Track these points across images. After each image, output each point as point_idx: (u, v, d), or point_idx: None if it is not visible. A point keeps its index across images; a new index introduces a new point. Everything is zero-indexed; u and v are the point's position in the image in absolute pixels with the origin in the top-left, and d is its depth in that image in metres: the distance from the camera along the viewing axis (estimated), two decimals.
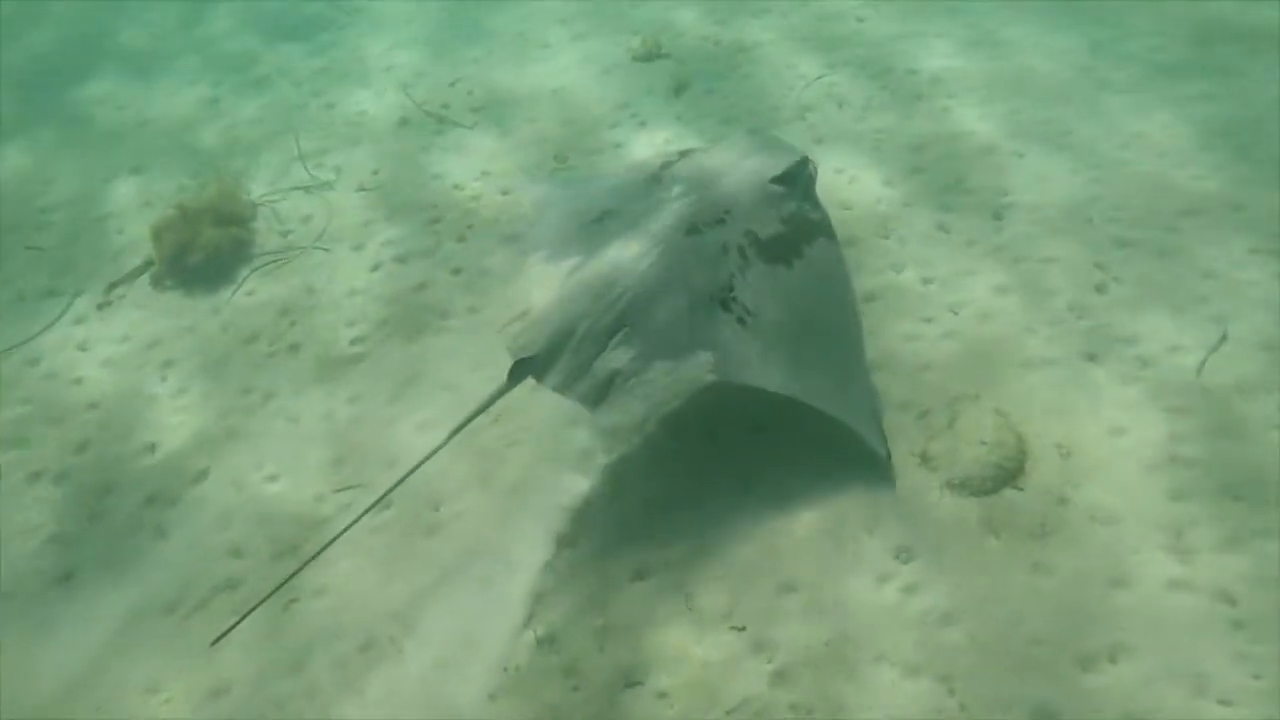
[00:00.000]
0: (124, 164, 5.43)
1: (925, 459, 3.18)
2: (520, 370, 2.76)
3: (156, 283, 4.44)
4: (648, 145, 4.94)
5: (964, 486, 3.08)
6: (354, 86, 5.93)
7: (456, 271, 4.33)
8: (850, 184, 4.47)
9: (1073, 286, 3.79)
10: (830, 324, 3.03)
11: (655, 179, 3.20)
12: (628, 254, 2.88)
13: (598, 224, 3.10)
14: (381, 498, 2.76)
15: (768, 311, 2.87)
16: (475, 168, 4.98)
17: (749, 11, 6.14)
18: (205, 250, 4.35)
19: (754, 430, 3.31)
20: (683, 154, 3.37)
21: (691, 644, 2.79)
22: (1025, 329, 3.62)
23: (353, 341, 4.05)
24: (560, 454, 3.34)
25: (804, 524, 3.07)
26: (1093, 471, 3.11)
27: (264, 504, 3.39)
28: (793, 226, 3.05)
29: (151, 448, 3.68)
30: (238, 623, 2.66)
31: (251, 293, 4.37)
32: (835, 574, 2.92)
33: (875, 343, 3.55)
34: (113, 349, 4.15)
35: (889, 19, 5.87)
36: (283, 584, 2.67)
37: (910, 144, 4.72)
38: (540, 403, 3.53)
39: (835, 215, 3.42)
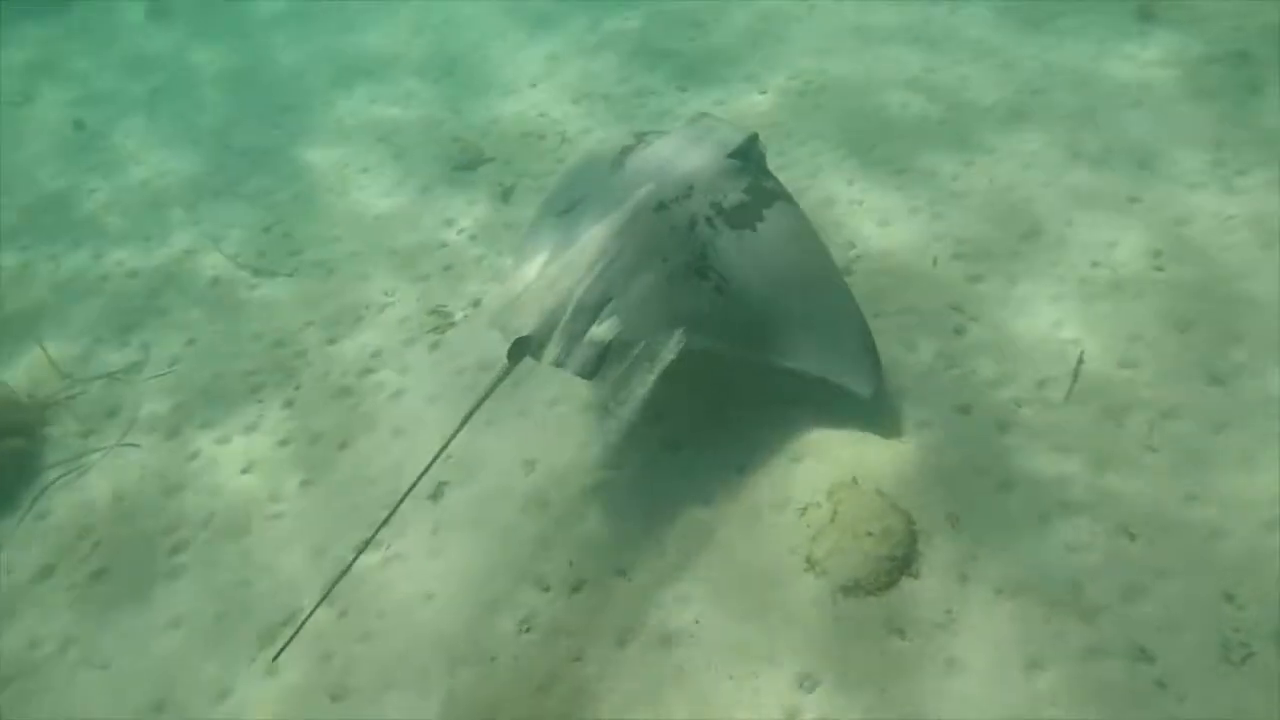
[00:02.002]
0: None
1: (813, 563, 3.00)
2: (518, 349, 3.00)
3: None
4: (476, 261, 4.78)
5: (858, 588, 2.91)
6: (156, 246, 5.56)
7: (284, 443, 3.98)
8: None
9: (933, 335, 3.76)
10: (806, 273, 3.27)
11: (617, 164, 3.47)
12: (605, 234, 3.13)
13: (568, 214, 3.37)
14: (399, 503, 2.89)
15: (742, 275, 3.14)
16: (298, 319, 4.67)
17: (569, 98, 6.16)
18: None
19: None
20: (639, 139, 3.63)
21: None
22: (895, 391, 3.55)
23: (172, 550, 3.62)
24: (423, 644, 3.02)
25: (695, 660, 2.82)
26: (989, 537, 3.01)
27: None
28: (753, 195, 3.33)
29: None
30: (293, 635, 2.82)
31: (44, 515, 3.88)
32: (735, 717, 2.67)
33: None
34: None
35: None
36: (324, 596, 2.84)
37: None
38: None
39: None
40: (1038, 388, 3.47)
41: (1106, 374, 3.48)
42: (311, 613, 2.87)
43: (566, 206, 3.42)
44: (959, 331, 3.76)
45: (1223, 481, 3.02)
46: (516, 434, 3.74)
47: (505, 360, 3.02)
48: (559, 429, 3.72)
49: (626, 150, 3.54)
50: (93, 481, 4.00)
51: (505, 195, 5.25)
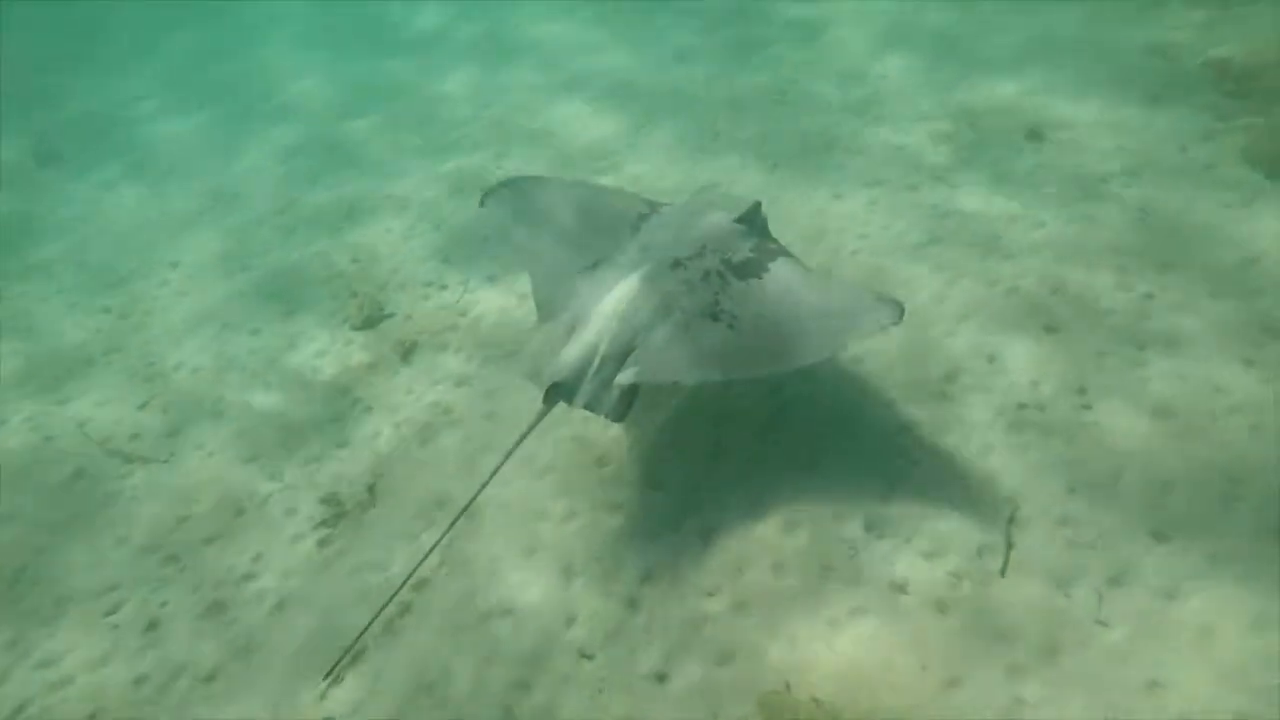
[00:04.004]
0: None
1: None
2: (553, 395, 3.33)
3: None
4: (373, 436, 4.49)
5: None
6: (5, 435, 5.10)
7: (139, 682, 3.50)
8: None
9: (861, 500, 3.57)
10: (809, 291, 3.51)
11: (635, 228, 3.92)
12: (628, 291, 3.50)
13: (592, 271, 3.72)
14: (448, 528, 3.36)
15: (751, 312, 3.44)
16: (172, 514, 4.26)
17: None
18: None
19: None
20: (653, 208, 4.07)
21: None
22: (820, 573, 3.32)
23: None
24: None
25: None
26: None
27: None
28: (758, 253, 3.71)
29: None
30: (342, 657, 3.32)
31: None
32: None
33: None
34: None
35: None
36: (372, 620, 3.35)
37: None
38: None
39: None
40: (976, 556, 3.29)
41: (1047, 533, 3.32)
42: (358, 639, 3.29)
43: (591, 265, 3.78)
44: (885, 499, 3.58)
45: (1184, 660, 2.84)
46: (418, 661, 3.37)
47: (541, 405, 3.35)
48: (471, 648, 3.37)
49: (643, 217, 4.00)
50: None
51: (405, 356, 5.01)
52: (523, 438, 3.33)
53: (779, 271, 3.61)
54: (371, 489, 4.18)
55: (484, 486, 3.30)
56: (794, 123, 6.73)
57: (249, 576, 3.87)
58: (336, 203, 7.02)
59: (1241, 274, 4.39)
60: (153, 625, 3.73)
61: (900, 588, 3.22)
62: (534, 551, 3.64)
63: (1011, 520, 3.38)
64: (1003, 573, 3.20)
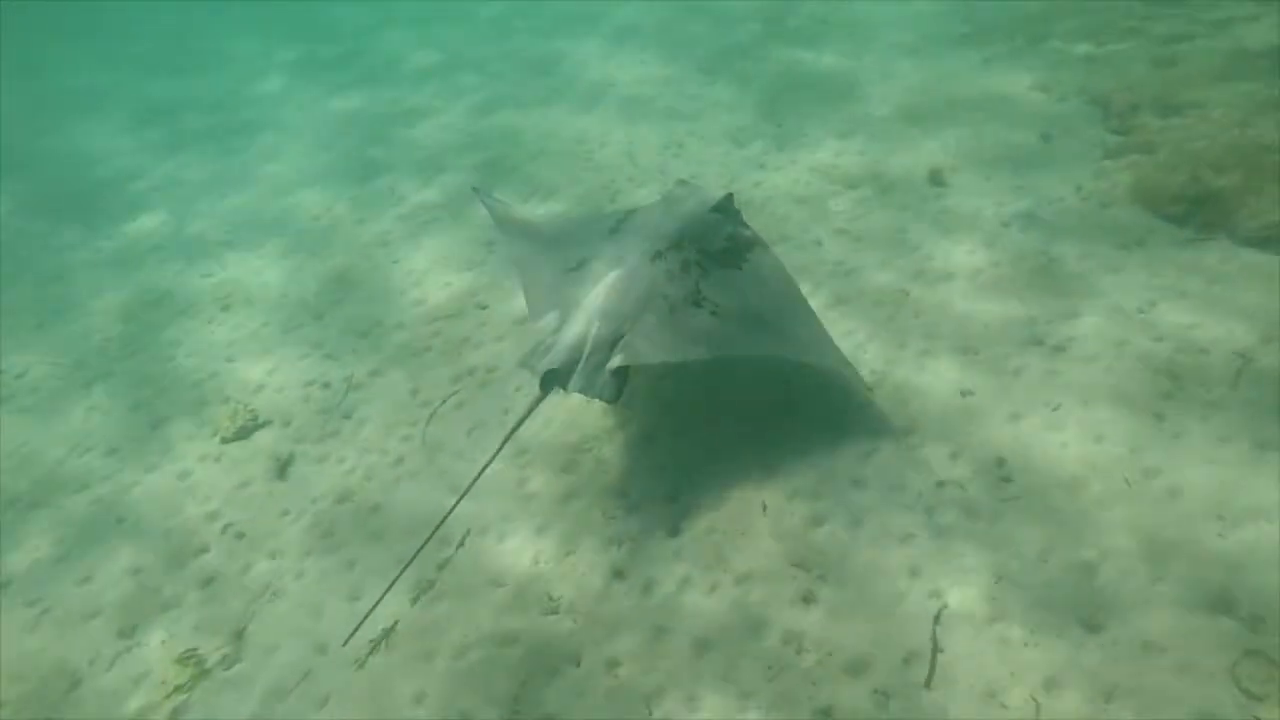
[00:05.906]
0: None
1: None
2: (548, 381, 3.51)
3: None
4: (244, 570, 4.02)
5: None
6: None
7: None
8: None
9: (781, 605, 3.30)
10: (783, 301, 3.84)
11: (615, 230, 4.14)
12: (614, 283, 3.71)
13: (579, 270, 3.93)
14: (443, 519, 3.30)
15: (731, 300, 3.72)
16: None
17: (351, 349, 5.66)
18: None
19: None
20: (628, 213, 4.30)
21: None
22: (742, 697, 3.02)
23: None
24: None
25: None
26: None
27: None
28: (733, 242, 4.01)
29: None
30: (362, 621, 3.23)
31: None
32: None
33: None
34: None
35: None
36: (395, 580, 3.31)
37: None
38: None
39: None
40: (904, 666, 3.05)
41: (976, 629, 3.11)
42: (377, 602, 3.25)
43: (576, 265, 3.97)
44: (808, 600, 3.32)
45: None
46: None
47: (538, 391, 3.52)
48: None
49: (620, 220, 4.21)
50: None
51: (282, 471, 4.56)
52: (520, 423, 3.46)
53: (753, 262, 3.92)
54: (241, 634, 3.72)
55: (477, 478, 3.34)
56: None
57: None
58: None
59: (1142, 316, 4.38)
60: None
61: (825, 713, 2.95)
62: None
63: (938, 620, 3.16)
64: (928, 684, 2.97)
